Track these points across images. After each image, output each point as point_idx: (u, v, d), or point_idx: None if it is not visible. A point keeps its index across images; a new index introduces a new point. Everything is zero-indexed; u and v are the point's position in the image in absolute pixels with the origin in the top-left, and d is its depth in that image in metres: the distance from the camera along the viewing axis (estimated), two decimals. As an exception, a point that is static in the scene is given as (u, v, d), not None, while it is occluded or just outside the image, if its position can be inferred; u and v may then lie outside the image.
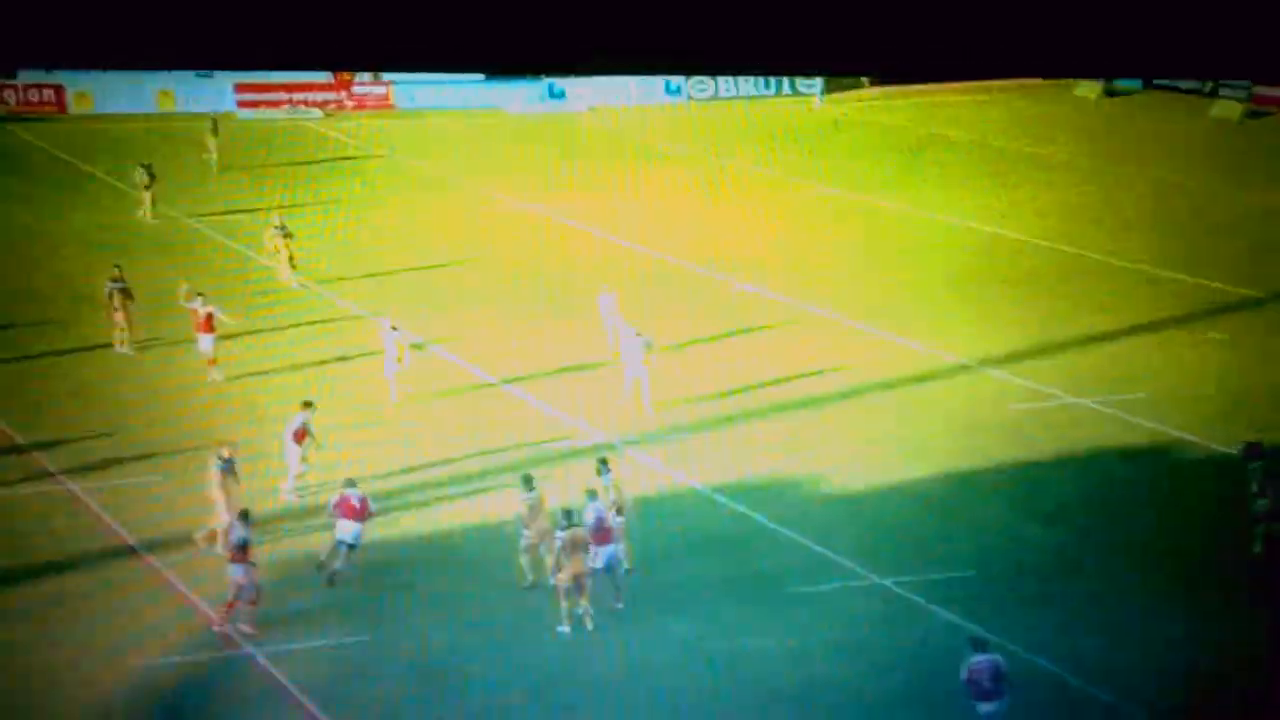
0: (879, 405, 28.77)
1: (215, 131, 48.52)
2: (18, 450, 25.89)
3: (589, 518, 20.87)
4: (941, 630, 20.64)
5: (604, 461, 22.61)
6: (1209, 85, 61.42)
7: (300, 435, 24.31)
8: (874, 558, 22.62)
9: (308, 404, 24.82)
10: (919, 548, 23.15)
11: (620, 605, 20.94)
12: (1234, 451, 23.95)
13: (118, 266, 31.05)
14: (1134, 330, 33.42)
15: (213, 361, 29.15)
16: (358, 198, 44.64)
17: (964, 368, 30.99)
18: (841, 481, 25.47)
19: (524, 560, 21.52)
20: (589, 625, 20.45)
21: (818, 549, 22.88)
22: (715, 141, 53.91)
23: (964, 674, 17.92)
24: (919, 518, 24.23)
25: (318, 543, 22.53)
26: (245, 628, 20.35)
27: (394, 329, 28.54)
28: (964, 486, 25.42)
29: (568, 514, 20.85)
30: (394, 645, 20.20)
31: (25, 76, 56.15)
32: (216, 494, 22.36)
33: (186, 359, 29.95)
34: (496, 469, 25.22)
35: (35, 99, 56.11)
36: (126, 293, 30.32)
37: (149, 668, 19.60)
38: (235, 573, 20.47)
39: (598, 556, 20.75)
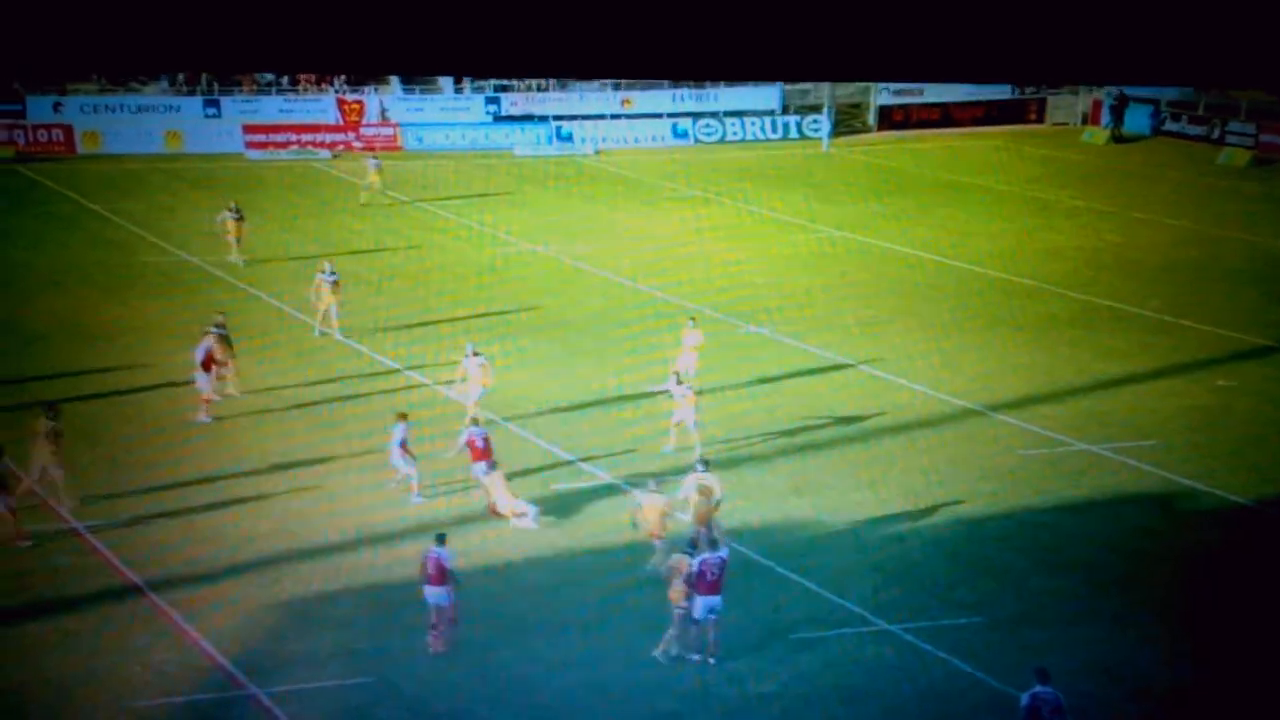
0: (887, 449, 28.67)
1: (380, 169, 49.27)
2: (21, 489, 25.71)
3: (693, 565, 20.71)
4: (950, 677, 20.48)
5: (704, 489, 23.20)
6: (1216, 131, 61.58)
7: (405, 447, 25.55)
8: (882, 603, 22.48)
9: (403, 415, 25.93)
10: (927, 593, 23.01)
11: (697, 658, 20.73)
12: (1245, 501, 23.73)
13: (222, 315, 30.82)
14: (1144, 376, 33.35)
15: (205, 400, 29.09)
16: (367, 238, 44.73)
17: (973, 412, 30.90)
18: (849, 525, 25.34)
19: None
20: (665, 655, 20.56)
21: (825, 594, 22.73)
22: (722, 184, 54.08)
23: (1025, 701, 18.07)
24: (927, 563, 24.09)
25: (320, 581, 22.44)
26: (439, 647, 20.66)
27: (476, 354, 28.99)
28: (973, 532, 25.29)
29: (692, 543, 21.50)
30: (396, 688, 20.05)
31: (35, 116, 56.39)
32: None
33: (184, 396, 30.02)
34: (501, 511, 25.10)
35: (44, 139, 56.18)
36: (226, 340, 29.96)
37: (152, 708, 19.44)
38: (440, 598, 20.75)
39: (696, 605, 20.60)
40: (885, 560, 24.11)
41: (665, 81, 64.98)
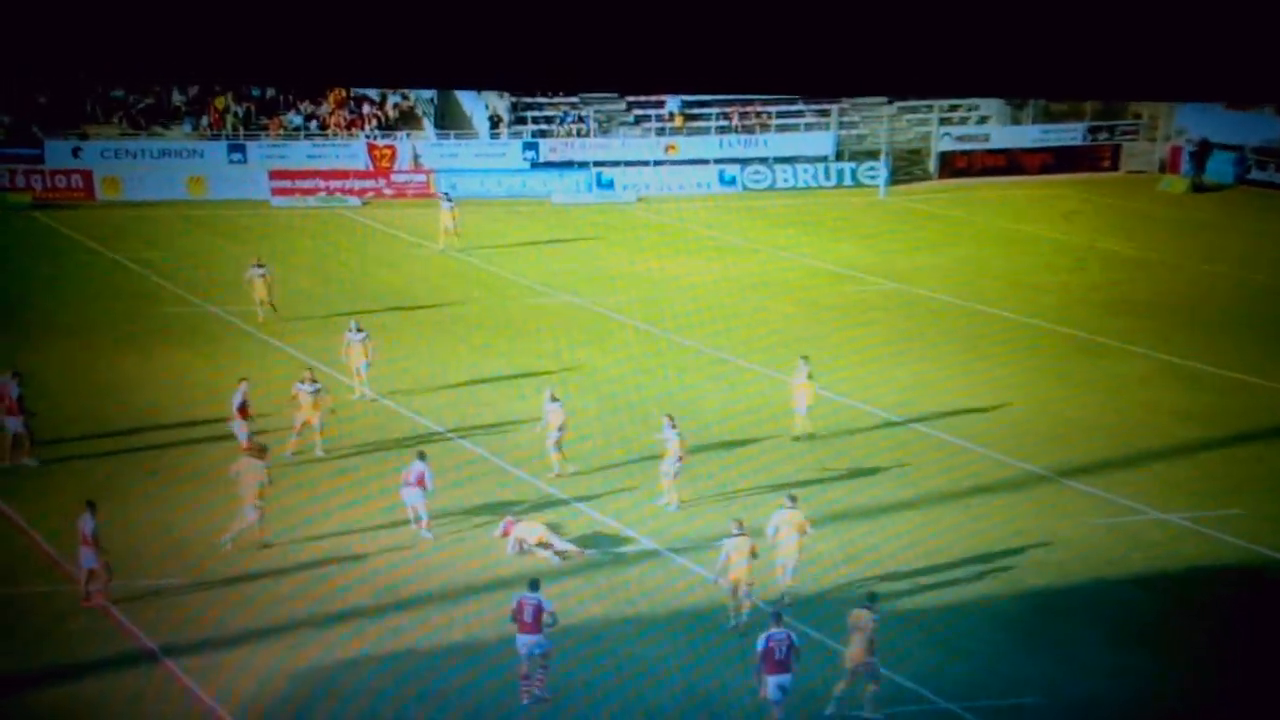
0: (946, 516, 28.54)
1: (453, 210, 49.98)
2: (29, 545, 25.94)
3: (759, 642, 20.89)
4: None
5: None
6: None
7: (419, 481, 26.68)
8: (941, 680, 22.34)
9: (422, 454, 27.26)
10: (989, 669, 22.86)
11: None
12: None
13: (311, 373, 31.40)
14: (1226, 441, 33.10)
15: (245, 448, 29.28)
16: (397, 290, 45.05)
17: (1040, 478, 30.74)
18: (905, 597, 25.21)
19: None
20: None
21: (881, 670, 22.60)
22: (770, 234, 54.23)
23: None
24: (990, 637, 23.94)
25: (345, 648, 22.50)
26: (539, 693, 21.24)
27: (554, 399, 29.92)
28: (1038, 606, 25.12)
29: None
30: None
31: (53, 161, 57.17)
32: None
33: (207, 453, 30.24)
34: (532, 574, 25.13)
35: (63, 184, 56.87)
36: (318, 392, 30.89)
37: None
38: (536, 647, 21.25)
39: (766, 685, 20.66)
40: (944, 634, 23.97)
41: (711, 126, 65.44)
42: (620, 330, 41.36)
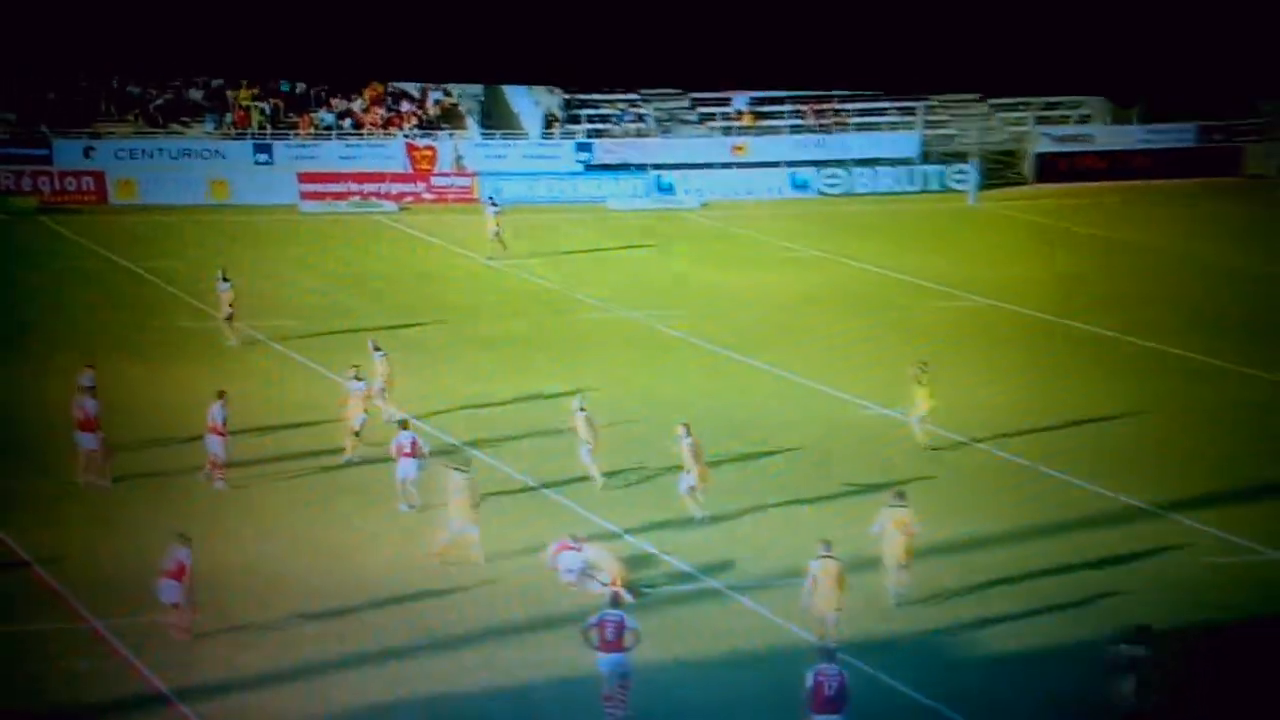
0: (1045, 554, 28.24)
1: (498, 216, 50.40)
2: (30, 578, 26.09)
3: (807, 677, 20.90)
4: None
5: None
6: None
7: (412, 450, 29.08)
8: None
9: (404, 424, 29.96)
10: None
11: None
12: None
13: (357, 370, 32.24)
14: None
15: (219, 467, 30.16)
16: (432, 301, 45.20)
17: (1145, 512, 30.46)
18: (1001, 644, 25.02)
19: None
20: None
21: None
22: (847, 243, 54.06)
23: None
24: (1096, 688, 23.66)
25: (375, 691, 22.53)
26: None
27: (582, 410, 30.86)
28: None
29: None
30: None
31: (62, 162, 57.56)
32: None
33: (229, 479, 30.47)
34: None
35: (72, 187, 57.25)
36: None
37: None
38: (620, 665, 21.76)
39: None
40: (1045, 683, 23.77)
41: (784, 125, 65.45)
42: (678, 347, 41.32)
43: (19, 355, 38.79)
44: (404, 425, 29.99)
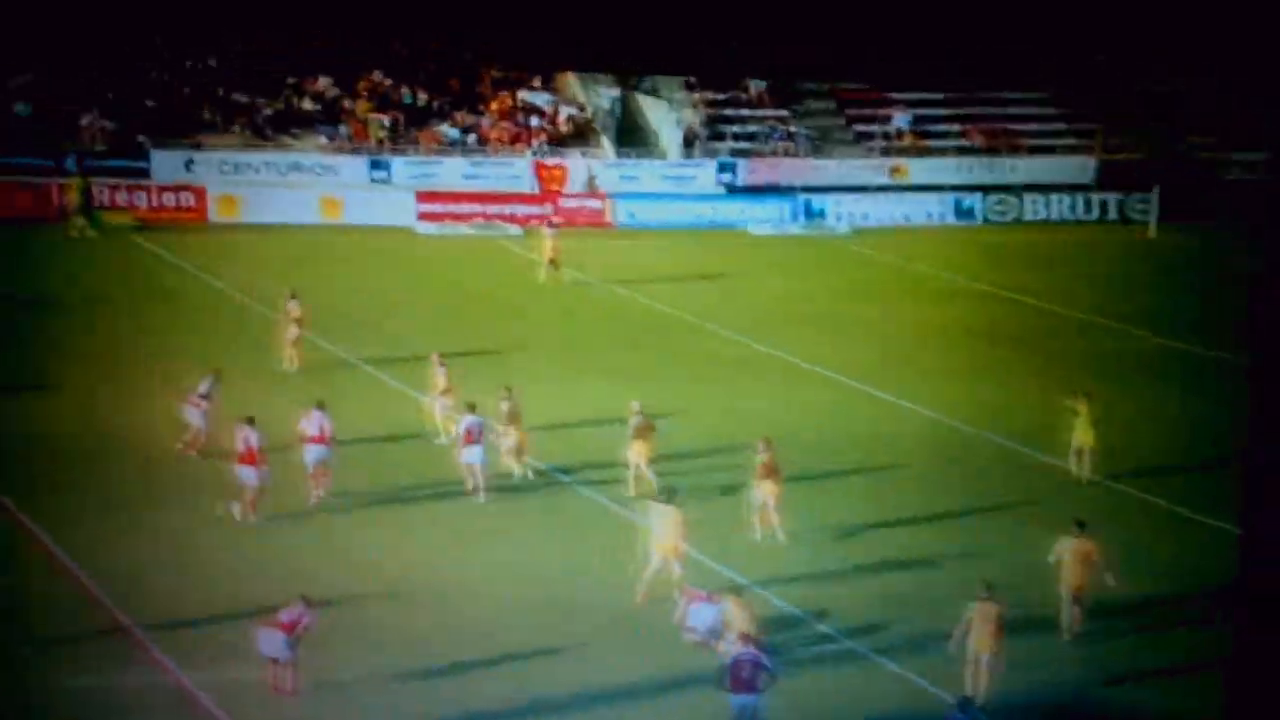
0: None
1: (555, 237, 50.89)
2: (114, 629, 25.98)
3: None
4: None
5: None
6: None
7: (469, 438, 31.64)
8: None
9: (471, 406, 32.15)
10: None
11: None
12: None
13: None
14: None
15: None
16: (553, 330, 45.07)
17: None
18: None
19: None
20: None
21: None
22: (1013, 275, 53.28)
23: None
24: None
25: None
26: None
27: (639, 414, 32.66)
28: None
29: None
30: None
31: (162, 175, 58.00)
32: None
33: (309, 524, 30.46)
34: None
35: (171, 203, 57.69)
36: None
37: None
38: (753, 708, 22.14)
39: None
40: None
41: (948, 146, 64.68)
42: (819, 384, 40.78)
43: (107, 381, 38.94)
44: (471, 408, 32.14)
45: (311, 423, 31.37)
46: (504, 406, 32.81)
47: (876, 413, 38.74)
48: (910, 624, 26.82)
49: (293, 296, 40.75)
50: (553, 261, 50.43)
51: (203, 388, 33.92)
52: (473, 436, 31.63)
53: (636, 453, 32.17)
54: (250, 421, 30.60)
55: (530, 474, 32.62)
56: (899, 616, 27.19)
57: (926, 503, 32.56)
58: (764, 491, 30.02)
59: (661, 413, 34.92)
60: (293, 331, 40.26)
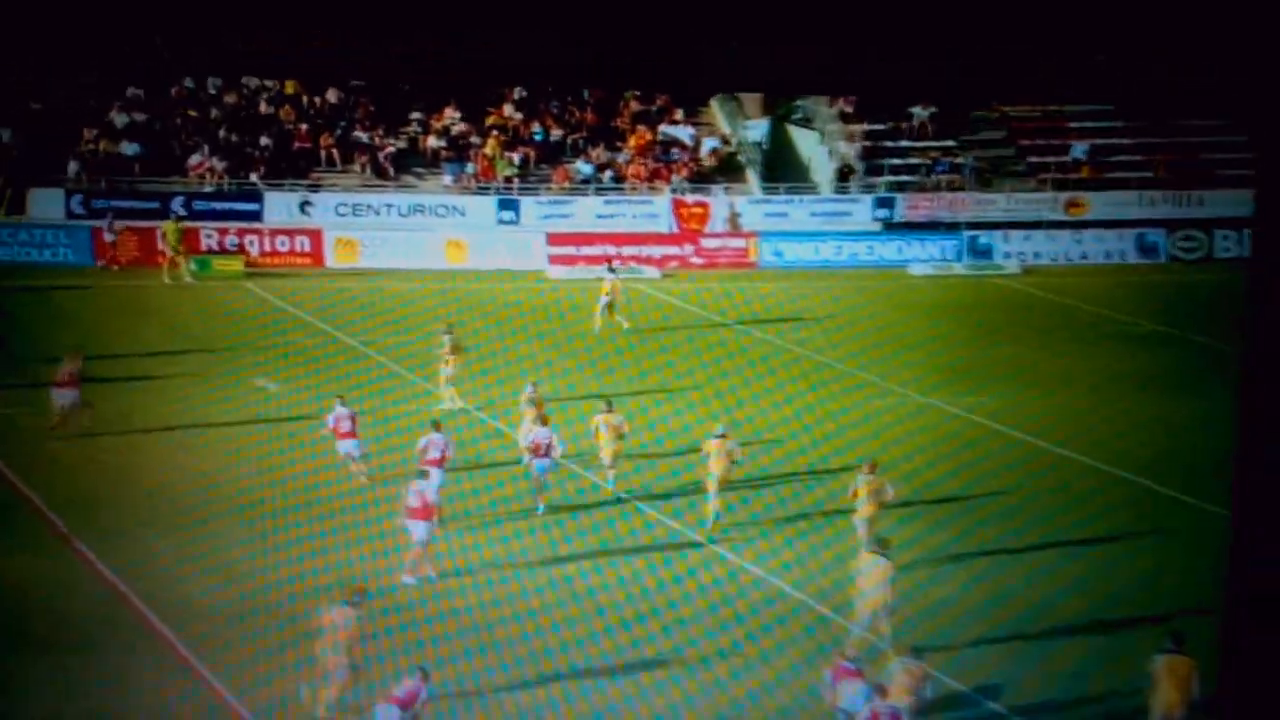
0: None
1: (615, 281, 51.21)
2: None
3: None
4: None
5: None
6: None
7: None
8: None
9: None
10: None
11: None
12: None
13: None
14: None
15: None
16: (690, 378, 45.01)
17: None
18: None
19: None
20: None
21: None
22: (1201, 318, 52.47)
23: None
24: None
25: None
26: None
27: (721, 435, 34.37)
28: None
29: None
30: None
31: (274, 217, 58.52)
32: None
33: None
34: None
35: (284, 248, 58.15)
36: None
37: None
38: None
39: None
40: None
41: (1131, 177, 64.00)
42: (987, 439, 40.56)
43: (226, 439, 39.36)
44: (545, 421, 34.78)
45: (433, 445, 33.70)
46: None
47: (1066, 476, 38.28)
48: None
49: (448, 331, 42.00)
50: (610, 306, 50.13)
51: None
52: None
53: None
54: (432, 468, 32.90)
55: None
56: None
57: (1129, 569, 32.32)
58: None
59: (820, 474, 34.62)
60: (447, 370, 41.56)
